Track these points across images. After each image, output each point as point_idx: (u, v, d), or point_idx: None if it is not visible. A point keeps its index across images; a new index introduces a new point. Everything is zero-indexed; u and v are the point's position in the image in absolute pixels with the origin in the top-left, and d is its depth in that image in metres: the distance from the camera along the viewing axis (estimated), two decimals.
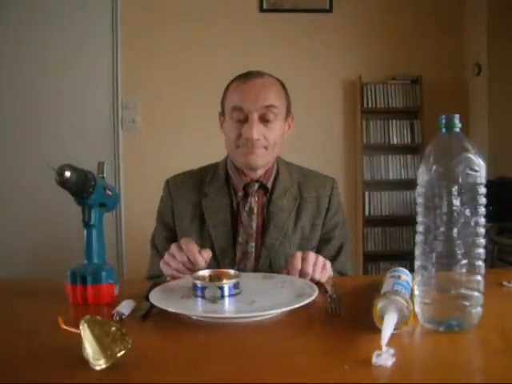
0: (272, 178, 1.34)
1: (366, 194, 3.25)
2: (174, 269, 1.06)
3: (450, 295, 0.73)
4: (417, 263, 0.77)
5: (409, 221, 3.19)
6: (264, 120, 1.24)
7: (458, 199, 0.72)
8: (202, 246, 1.07)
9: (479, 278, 0.74)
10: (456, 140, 0.75)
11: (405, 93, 3.24)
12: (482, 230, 0.74)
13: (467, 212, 0.73)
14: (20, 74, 3.11)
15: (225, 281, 0.89)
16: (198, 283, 0.89)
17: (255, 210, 1.29)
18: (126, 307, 0.85)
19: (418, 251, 0.77)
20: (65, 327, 0.69)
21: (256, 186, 1.31)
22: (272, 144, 1.26)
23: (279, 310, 0.82)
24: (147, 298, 0.88)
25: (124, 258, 3.19)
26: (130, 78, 3.20)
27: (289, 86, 1.33)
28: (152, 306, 0.86)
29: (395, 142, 3.26)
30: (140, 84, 3.21)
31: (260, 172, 1.31)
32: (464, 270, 0.73)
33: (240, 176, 1.32)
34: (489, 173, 0.76)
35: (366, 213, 3.25)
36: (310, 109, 3.17)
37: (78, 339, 0.64)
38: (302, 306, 0.83)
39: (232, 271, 0.96)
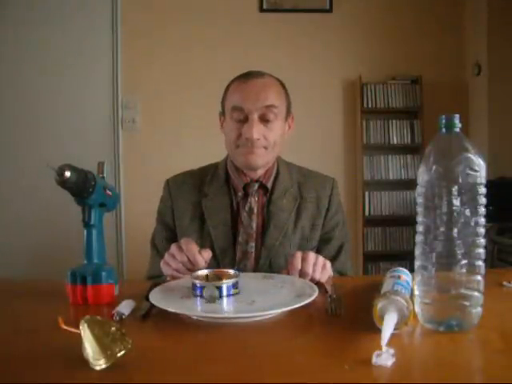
0: (272, 178, 1.34)
1: (366, 193, 3.25)
2: (174, 269, 1.06)
3: (450, 295, 0.73)
4: (417, 263, 0.77)
5: (409, 221, 3.19)
6: (264, 120, 1.24)
7: (458, 199, 0.72)
8: (201, 246, 1.07)
9: (479, 278, 0.74)
10: (456, 140, 0.75)
11: (405, 93, 3.24)
12: (482, 230, 0.74)
13: (467, 212, 0.73)
14: (20, 74, 3.11)
15: (223, 280, 0.89)
16: (197, 283, 0.90)
17: (255, 210, 1.29)
18: (126, 307, 0.85)
19: (417, 251, 0.77)
20: (65, 327, 0.69)
21: (256, 186, 1.31)
22: (272, 144, 1.26)
23: (279, 310, 0.82)
24: (147, 298, 0.88)
25: (124, 258, 3.20)
26: (130, 78, 3.20)
27: (289, 85, 1.33)
28: (152, 305, 0.86)
29: (395, 141, 3.26)
30: (140, 84, 3.21)
31: (260, 172, 1.31)
32: (464, 270, 0.73)
33: (240, 176, 1.32)
34: (489, 173, 0.76)
35: (366, 213, 3.25)
36: (310, 109, 3.17)
37: (78, 339, 0.64)
38: (302, 306, 0.83)
39: (231, 271, 0.96)
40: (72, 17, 3.13)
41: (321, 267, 1.05)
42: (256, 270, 1.25)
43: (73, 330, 0.67)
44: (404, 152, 3.30)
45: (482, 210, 0.74)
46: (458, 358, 0.67)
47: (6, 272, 2.54)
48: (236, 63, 2.76)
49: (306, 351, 0.69)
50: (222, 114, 1.33)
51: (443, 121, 0.76)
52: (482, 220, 0.74)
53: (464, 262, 0.73)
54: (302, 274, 1.03)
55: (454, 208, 0.72)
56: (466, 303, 0.73)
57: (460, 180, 0.72)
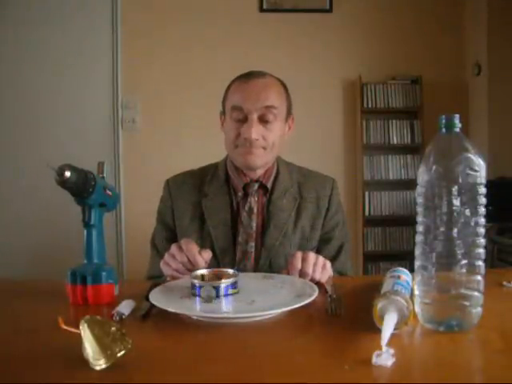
0: (272, 178, 1.34)
1: (366, 193, 3.25)
2: (173, 269, 1.06)
3: (450, 295, 0.73)
4: (417, 263, 0.77)
5: (409, 221, 3.19)
6: (263, 120, 1.24)
7: (458, 199, 0.72)
8: (202, 246, 1.08)
9: (479, 278, 0.74)
10: (456, 140, 0.75)
11: (405, 93, 3.24)
12: (482, 230, 0.74)
13: (467, 212, 0.73)
14: (20, 74, 3.11)
15: (221, 280, 0.89)
16: (196, 282, 0.90)
17: (255, 210, 1.29)
18: (126, 307, 0.85)
19: (417, 251, 0.77)
20: (65, 327, 0.69)
21: (256, 185, 1.31)
22: (271, 145, 1.26)
23: (279, 310, 0.82)
24: (147, 298, 0.88)
25: (124, 258, 3.20)
26: (130, 78, 3.19)
27: (289, 86, 1.33)
28: (152, 305, 0.86)
29: (395, 141, 3.26)
30: (140, 84, 3.21)
31: (259, 172, 1.31)
32: (464, 270, 0.73)
33: (240, 176, 1.31)
34: (489, 173, 0.76)
35: (366, 213, 3.25)
36: (310, 109, 3.17)
37: (78, 339, 0.64)
38: (302, 306, 0.83)
39: (231, 271, 0.96)
40: (72, 17, 3.13)
41: (321, 267, 1.05)
42: (256, 270, 1.25)
43: (73, 330, 0.67)
44: (404, 152, 3.30)
45: (482, 209, 0.74)
46: (458, 358, 0.67)
47: (5, 272, 2.54)
48: (236, 63, 2.76)
49: (305, 351, 0.69)
50: (223, 113, 1.33)
51: (443, 121, 0.76)
52: (482, 220, 0.74)
53: (464, 262, 0.73)
54: (302, 274, 1.03)
55: (454, 208, 0.72)
56: (466, 303, 0.73)
57: (460, 180, 0.72)
